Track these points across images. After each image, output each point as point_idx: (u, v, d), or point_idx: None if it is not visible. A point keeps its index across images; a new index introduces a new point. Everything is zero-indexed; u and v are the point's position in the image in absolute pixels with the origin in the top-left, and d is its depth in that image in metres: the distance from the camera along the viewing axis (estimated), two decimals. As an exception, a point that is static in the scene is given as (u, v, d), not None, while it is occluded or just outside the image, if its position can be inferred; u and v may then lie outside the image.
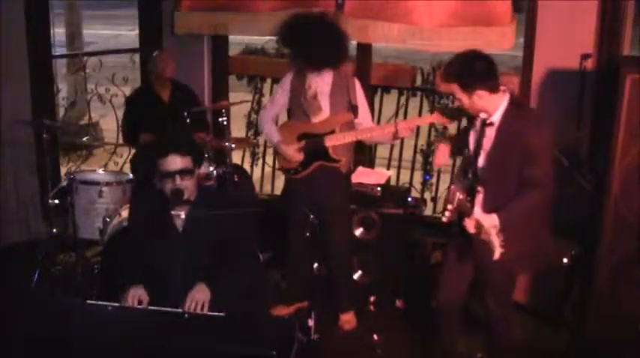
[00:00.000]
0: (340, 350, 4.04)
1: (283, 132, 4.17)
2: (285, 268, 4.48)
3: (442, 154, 3.51)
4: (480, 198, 3.21)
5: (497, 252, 2.95)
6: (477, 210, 3.11)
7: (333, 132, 4.05)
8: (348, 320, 4.31)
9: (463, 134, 3.48)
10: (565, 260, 4.17)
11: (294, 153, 4.09)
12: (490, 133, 3.22)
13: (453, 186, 3.32)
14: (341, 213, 4.20)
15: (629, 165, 3.63)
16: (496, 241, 2.94)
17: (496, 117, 3.19)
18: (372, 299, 4.56)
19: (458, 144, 3.47)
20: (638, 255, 3.68)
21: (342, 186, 4.20)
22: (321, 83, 4.06)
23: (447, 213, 3.18)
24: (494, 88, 3.15)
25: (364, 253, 4.53)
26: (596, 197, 3.88)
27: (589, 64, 4.31)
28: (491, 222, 3.01)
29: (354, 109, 4.08)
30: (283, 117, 4.34)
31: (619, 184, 3.67)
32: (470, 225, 3.07)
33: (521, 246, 3.16)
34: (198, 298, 2.94)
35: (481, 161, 3.25)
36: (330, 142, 4.05)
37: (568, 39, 4.36)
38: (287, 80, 4.15)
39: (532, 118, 3.25)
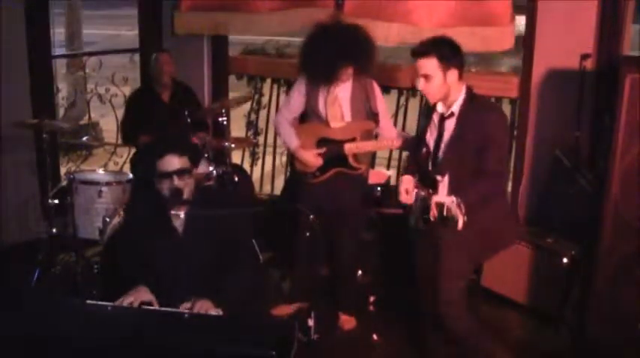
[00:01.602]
0: (340, 350, 4.04)
1: (301, 135, 4.11)
2: (291, 269, 4.47)
3: (407, 187, 3.40)
4: (440, 187, 3.22)
5: (461, 222, 3.02)
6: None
7: (353, 139, 4.02)
8: (348, 320, 4.30)
9: (421, 134, 3.48)
10: (565, 260, 4.17)
11: (313, 158, 4.05)
12: (449, 125, 3.29)
13: (405, 177, 3.41)
14: (355, 215, 4.19)
15: (629, 165, 3.63)
16: (458, 212, 3.00)
17: (456, 108, 3.27)
18: (372, 299, 4.57)
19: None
20: (638, 255, 3.68)
21: (360, 190, 4.19)
22: (341, 89, 4.00)
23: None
24: (461, 74, 3.25)
25: (364, 253, 4.53)
26: (596, 197, 3.88)
27: (589, 64, 4.31)
28: (449, 199, 3.06)
29: (374, 117, 4.05)
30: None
31: (619, 184, 3.67)
32: (433, 210, 3.09)
33: (476, 234, 3.22)
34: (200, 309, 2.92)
35: (441, 153, 3.32)
36: (350, 151, 4.02)
37: (568, 39, 4.36)
38: (302, 84, 4.08)
39: (489, 108, 3.34)
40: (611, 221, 3.73)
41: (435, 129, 3.37)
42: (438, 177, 3.17)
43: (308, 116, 4.14)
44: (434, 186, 3.18)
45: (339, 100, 4.00)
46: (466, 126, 3.24)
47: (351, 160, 4.04)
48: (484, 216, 3.21)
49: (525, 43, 4.62)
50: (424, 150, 3.42)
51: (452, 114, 3.28)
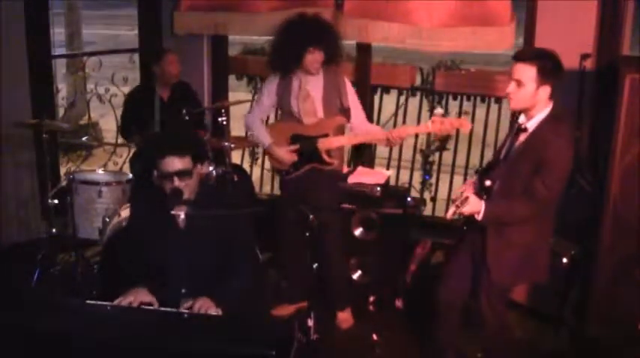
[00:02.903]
0: (340, 350, 4.04)
1: (274, 132, 4.16)
2: (283, 268, 4.48)
3: (464, 189, 3.35)
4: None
5: (450, 212, 3.16)
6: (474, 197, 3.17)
7: (326, 135, 4.05)
8: (345, 318, 4.32)
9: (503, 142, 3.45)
10: (565, 260, 4.17)
11: (286, 155, 4.09)
12: (521, 138, 3.20)
13: (468, 180, 3.41)
14: (333, 212, 4.19)
15: (629, 165, 3.64)
16: (455, 208, 3.12)
17: (531, 124, 3.17)
18: (372, 299, 4.56)
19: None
20: (638, 255, 3.68)
21: (334, 186, 4.22)
22: (313, 85, 4.04)
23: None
24: (553, 94, 3.14)
25: (364, 253, 4.53)
26: (596, 197, 3.88)
27: (589, 64, 4.30)
28: (475, 206, 3.11)
29: (346, 113, 4.08)
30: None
31: (619, 184, 3.67)
32: (460, 195, 3.18)
33: (513, 258, 3.19)
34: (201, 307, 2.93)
35: (504, 161, 3.26)
36: (323, 146, 4.05)
37: (568, 39, 4.35)
38: (273, 83, 4.12)
39: (560, 134, 3.13)
40: (611, 221, 3.73)
41: (510, 138, 3.30)
42: (487, 182, 3.16)
43: (282, 114, 4.20)
44: (486, 191, 3.16)
45: (312, 97, 4.04)
46: (533, 144, 3.14)
47: (324, 156, 4.07)
48: (516, 237, 3.17)
49: (525, 43, 4.62)
50: (497, 157, 3.36)
51: (526, 129, 3.19)
